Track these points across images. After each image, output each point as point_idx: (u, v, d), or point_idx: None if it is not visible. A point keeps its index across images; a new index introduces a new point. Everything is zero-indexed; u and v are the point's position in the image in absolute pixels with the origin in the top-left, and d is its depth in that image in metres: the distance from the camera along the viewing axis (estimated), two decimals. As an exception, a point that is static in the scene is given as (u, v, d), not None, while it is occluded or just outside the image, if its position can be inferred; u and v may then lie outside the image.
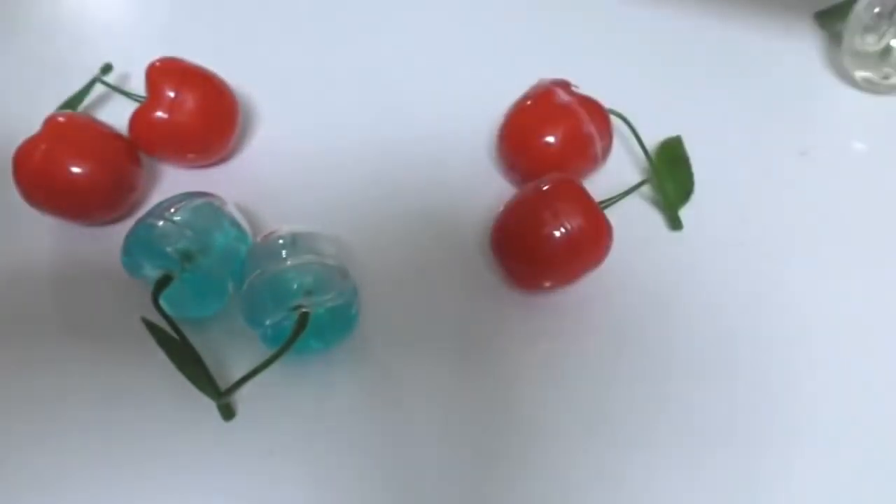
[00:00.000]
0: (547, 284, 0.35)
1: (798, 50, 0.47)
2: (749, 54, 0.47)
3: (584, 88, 0.37)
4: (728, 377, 0.33)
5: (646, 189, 0.39)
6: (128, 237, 0.32)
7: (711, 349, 0.34)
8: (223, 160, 0.41)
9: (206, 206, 0.33)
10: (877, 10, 0.42)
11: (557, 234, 0.32)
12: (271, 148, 0.42)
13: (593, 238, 0.33)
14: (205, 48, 0.41)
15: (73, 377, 0.33)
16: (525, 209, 0.34)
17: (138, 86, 0.38)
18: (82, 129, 0.36)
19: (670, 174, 0.39)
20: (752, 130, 0.43)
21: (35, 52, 0.47)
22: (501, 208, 0.35)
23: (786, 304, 0.35)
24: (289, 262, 0.31)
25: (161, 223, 0.31)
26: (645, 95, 0.42)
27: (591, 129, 0.36)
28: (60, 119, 0.35)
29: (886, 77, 0.43)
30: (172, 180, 0.40)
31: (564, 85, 0.37)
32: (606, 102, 0.38)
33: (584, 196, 0.33)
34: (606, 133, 0.37)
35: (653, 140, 0.41)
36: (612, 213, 0.34)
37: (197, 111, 0.37)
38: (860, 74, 0.44)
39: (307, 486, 0.30)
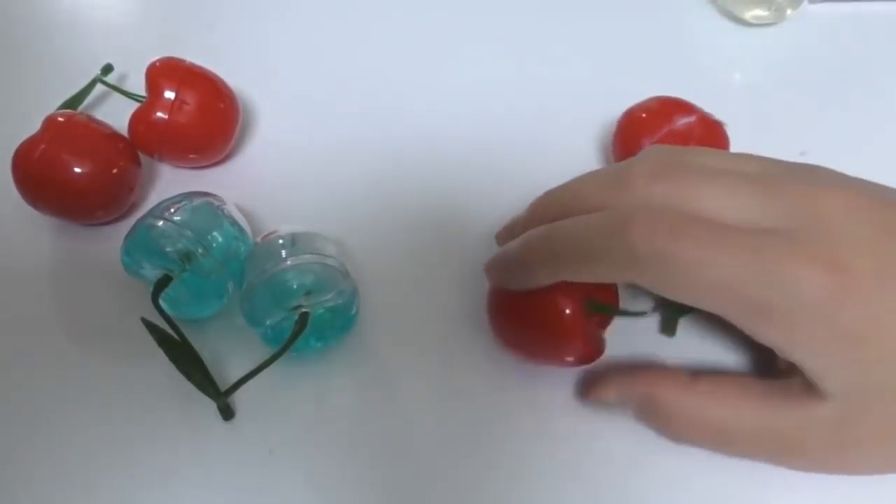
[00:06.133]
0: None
1: (798, 50, 0.47)
2: (750, 54, 0.47)
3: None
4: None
5: (646, 189, 0.39)
6: (127, 237, 0.32)
7: (712, 349, 0.34)
8: (223, 160, 0.41)
9: (206, 206, 0.33)
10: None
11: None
12: (271, 148, 0.42)
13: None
14: (205, 48, 0.41)
15: (73, 377, 0.33)
16: None
17: (138, 86, 0.38)
18: (82, 129, 0.36)
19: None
20: (752, 130, 0.43)
21: (35, 52, 0.47)
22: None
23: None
24: (289, 263, 0.31)
25: (161, 223, 0.31)
26: (645, 96, 0.42)
27: None
28: (60, 119, 0.35)
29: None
30: (172, 180, 0.40)
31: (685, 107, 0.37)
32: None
33: None
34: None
35: (653, 140, 0.41)
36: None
37: (197, 111, 0.37)
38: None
39: (307, 485, 0.30)
